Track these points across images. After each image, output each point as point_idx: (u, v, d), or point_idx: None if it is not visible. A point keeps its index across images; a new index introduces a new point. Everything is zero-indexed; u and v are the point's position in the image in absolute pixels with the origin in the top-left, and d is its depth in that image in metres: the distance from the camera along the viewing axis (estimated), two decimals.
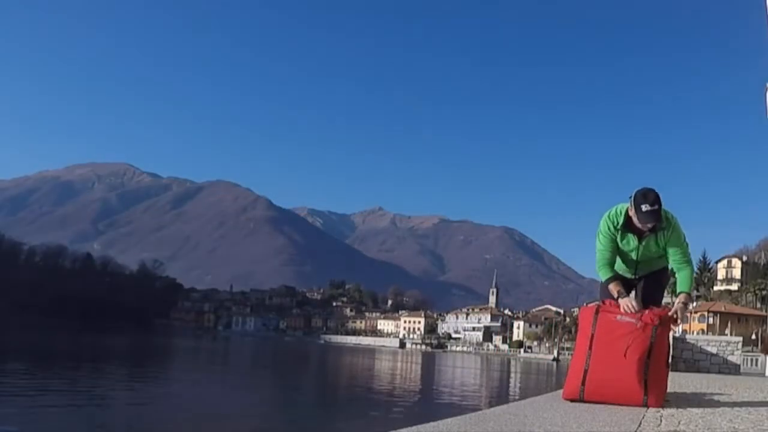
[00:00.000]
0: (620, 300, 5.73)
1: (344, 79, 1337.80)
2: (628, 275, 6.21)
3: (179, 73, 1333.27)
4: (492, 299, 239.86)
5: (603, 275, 6.06)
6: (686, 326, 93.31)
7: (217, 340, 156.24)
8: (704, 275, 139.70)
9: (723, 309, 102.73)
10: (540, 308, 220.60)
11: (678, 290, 5.87)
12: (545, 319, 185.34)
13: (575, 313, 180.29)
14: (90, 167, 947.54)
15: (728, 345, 21.83)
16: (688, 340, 22.48)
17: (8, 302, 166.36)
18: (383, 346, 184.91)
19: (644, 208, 5.61)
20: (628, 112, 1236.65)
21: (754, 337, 66.57)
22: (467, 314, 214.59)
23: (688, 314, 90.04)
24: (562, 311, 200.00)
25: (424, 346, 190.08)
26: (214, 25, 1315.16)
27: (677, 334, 25.20)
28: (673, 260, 5.96)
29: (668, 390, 6.19)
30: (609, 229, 5.98)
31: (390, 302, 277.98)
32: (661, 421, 4.46)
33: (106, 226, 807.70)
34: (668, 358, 5.61)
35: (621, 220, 5.90)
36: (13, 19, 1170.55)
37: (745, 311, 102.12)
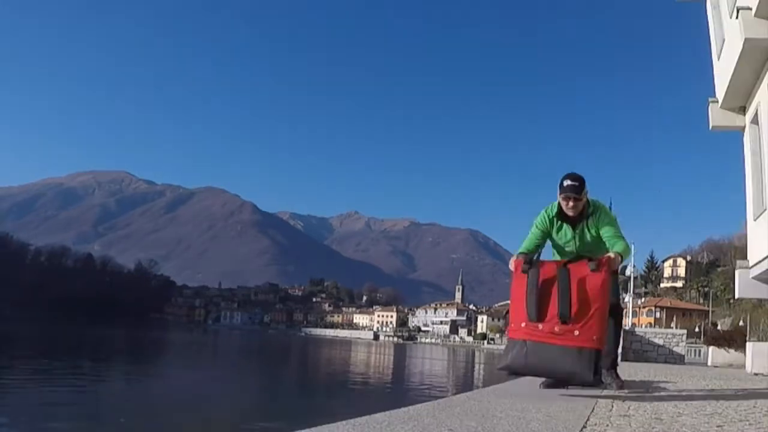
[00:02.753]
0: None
1: (324, 96, 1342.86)
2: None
3: (173, 87, 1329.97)
4: (458, 295, 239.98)
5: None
6: (635, 320, 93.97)
7: (207, 333, 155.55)
8: (652, 273, 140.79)
9: (669, 304, 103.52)
10: (502, 303, 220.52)
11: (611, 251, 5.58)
12: (507, 313, 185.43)
13: None
14: (91, 174, 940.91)
15: (674, 337, 21.97)
16: (637, 333, 22.63)
17: (16, 298, 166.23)
18: (359, 338, 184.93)
19: (566, 183, 5.64)
20: (585, 124, 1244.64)
21: (697, 330, 67.02)
22: (435, 309, 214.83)
23: (637, 309, 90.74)
24: None
25: (396, 338, 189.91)
26: (203, 41, 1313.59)
27: (627, 327, 25.35)
28: (606, 238, 5.71)
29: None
30: (543, 221, 5.92)
31: (365, 298, 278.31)
32: (612, 406, 4.46)
33: (105, 228, 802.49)
34: (606, 306, 5.30)
35: (555, 211, 5.86)
36: (26, 35, 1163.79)
37: (689, 306, 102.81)
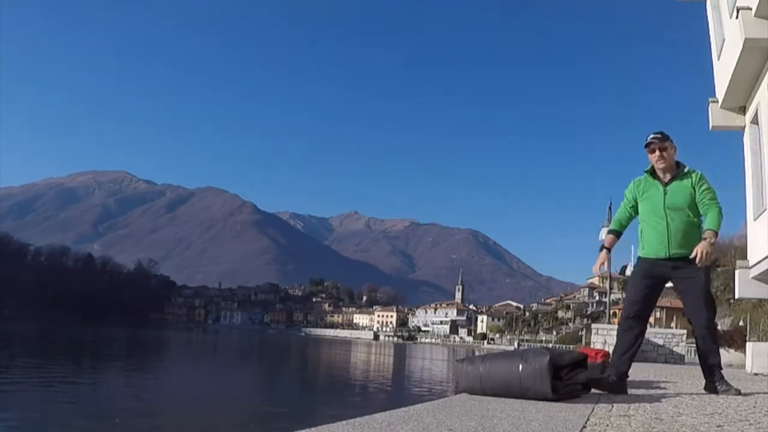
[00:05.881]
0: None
1: (324, 95, 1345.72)
2: (661, 253, 5.78)
3: (174, 87, 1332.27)
4: (458, 295, 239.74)
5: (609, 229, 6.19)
6: None
7: (207, 333, 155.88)
8: None
9: (669, 304, 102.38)
10: (502, 303, 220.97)
11: (705, 228, 5.62)
12: (507, 313, 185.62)
13: (534, 308, 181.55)
14: (91, 175, 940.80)
15: (674, 337, 21.92)
16: None
17: (17, 298, 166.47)
18: (359, 338, 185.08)
19: (649, 137, 5.73)
20: (585, 124, 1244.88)
21: None
22: (435, 309, 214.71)
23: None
24: (522, 306, 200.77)
25: (396, 338, 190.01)
26: (203, 41, 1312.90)
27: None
28: (701, 202, 5.65)
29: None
30: (631, 188, 5.99)
31: (365, 298, 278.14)
32: (612, 406, 4.45)
33: (105, 228, 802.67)
34: None
35: (646, 171, 5.90)
36: (24, 35, 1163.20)
37: None
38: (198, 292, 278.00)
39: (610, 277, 33.23)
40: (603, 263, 6.03)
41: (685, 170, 5.77)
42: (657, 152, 5.69)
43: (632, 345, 5.86)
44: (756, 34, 10.84)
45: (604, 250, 6.04)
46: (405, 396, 24.32)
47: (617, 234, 6.12)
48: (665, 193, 5.73)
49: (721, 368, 5.97)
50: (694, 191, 5.66)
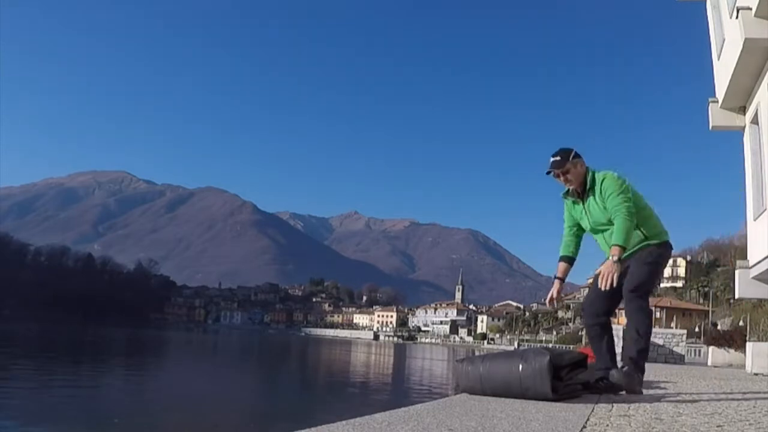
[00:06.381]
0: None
1: (324, 96, 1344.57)
2: (607, 252, 5.32)
3: (174, 87, 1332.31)
4: (458, 295, 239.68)
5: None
6: None
7: (207, 333, 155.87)
8: None
9: (669, 304, 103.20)
10: (502, 303, 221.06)
11: (611, 243, 5.15)
12: (507, 313, 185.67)
13: (534, 308, 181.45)
14: (91, 175, 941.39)
15: (674, 337, 21.96)
16: None
17: (17, 298, 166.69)
18: (359, 338, 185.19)
19: (550, 159, 5.44)
20: (585, 124, 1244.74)
21: (697, 330, 66.91)
22: (435, 309, 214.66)
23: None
24: (522, 306, 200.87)
25: (396, 338, 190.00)
26: (204, 41, 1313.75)
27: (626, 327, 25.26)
28: (609, 212, 5.26)
29: None
30: (566, 212, 5.71)
31: (365, 298, 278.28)
32: (612, 406, 4.45)
33: (105, 228, 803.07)
34: None
35: (563, 192, 5.62)
36: (28, 36, 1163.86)
37: (689, 306, 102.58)
38: (198, 292, 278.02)
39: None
40: (554, 296, 5.69)
41: (594, 180, 5.42)
42: (560, 177, 5.46)
43: (604, 343, 5.62)
44: (756, 34, 10.84)
45: (557, 281, 5.68)
46: (405, 396, 24.32)
47: (569, 260, 5.75)
48: (587, 213, 5.50)
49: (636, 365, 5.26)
50: (605, 204, 5.34)
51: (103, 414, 15.52)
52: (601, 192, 5.34)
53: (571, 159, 5.40)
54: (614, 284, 5.01)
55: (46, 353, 41.23)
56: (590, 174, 5.45)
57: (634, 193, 5.40)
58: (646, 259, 5.33)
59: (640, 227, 5.38)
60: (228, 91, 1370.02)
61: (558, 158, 5.40)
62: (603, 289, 5.06)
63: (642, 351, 5.20)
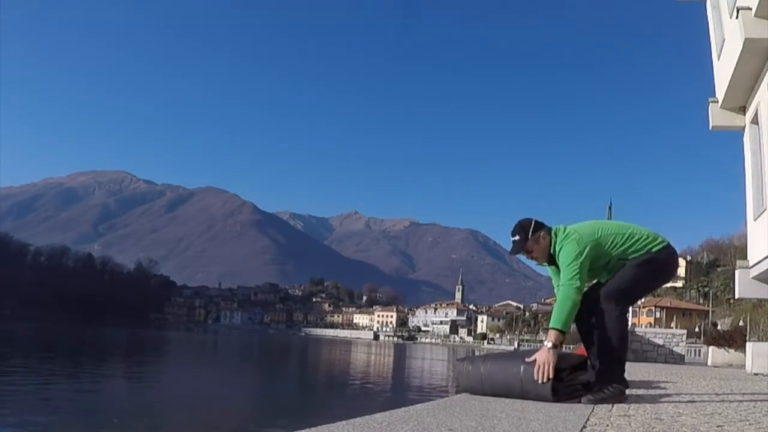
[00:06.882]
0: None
1: (324, 96, 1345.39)
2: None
3: (174, 87, 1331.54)
4: (458, 295, 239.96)
5: None
6: (635, 320, 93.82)
7: (207, 333, 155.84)
8: None
9: (669, 304, 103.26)
10: (502, 303, 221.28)
11: (549, 326, 4.71)
12: (507, 313, 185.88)
13: (534, 308, 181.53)
14: (91, 175, 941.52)
15: (674, 337, 21.97)
16: (637, 333, 22.61)
17: (17, 298, 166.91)
18: (359, 338, 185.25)
19: (511, 239, 5.07)
20: (585, 123, 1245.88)
21: (697, 330, 66.96)
22: (435, 309, 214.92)
23: (637, 309, 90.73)
24: (522, 306, 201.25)
25: (396, 338, 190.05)
26: (204, 40, 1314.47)
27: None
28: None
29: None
30: (552, 279, 5.32)
31: (365, 298, 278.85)
32: (612, 406, 4.45)
33: (105, 228, 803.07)
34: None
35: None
36: (32, 39, 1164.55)
37: (689, 306, 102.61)
38: (198, 292, 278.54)
39: None
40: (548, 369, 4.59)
41: (555, 247, 4.98)
42: (525, 255, 5.11)
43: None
44: (756, 34, 10.84)
45: (553, 350, 4.59)
46: (405, 396, 24.30)
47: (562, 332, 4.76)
48: (553, 276, 5.18)
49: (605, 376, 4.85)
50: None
51: (102, 414, 15.52)
52: (560, 260, 4.92)
53: (531, 236, 5.01)
54: (551, 376, 4.52)
55: (46, 353, 41.20)
56: (553, 242, 5.01)
57: (605, 241, 4.93)
58: (632, 263, 4.86)
59: (626, 257, 4.92)
60: (228, 91, 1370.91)
61: (517, 238, 5.03)
62: (540, 382, 4.55)
63: (613, 362, 4.81)
